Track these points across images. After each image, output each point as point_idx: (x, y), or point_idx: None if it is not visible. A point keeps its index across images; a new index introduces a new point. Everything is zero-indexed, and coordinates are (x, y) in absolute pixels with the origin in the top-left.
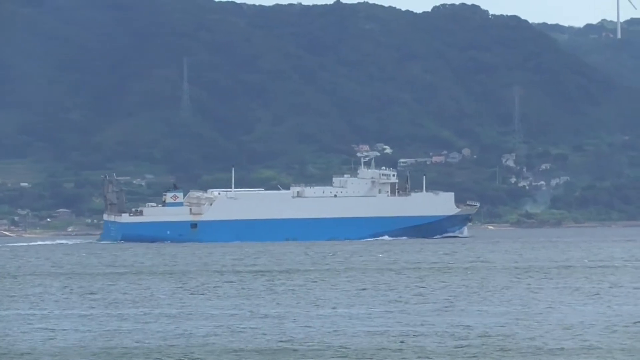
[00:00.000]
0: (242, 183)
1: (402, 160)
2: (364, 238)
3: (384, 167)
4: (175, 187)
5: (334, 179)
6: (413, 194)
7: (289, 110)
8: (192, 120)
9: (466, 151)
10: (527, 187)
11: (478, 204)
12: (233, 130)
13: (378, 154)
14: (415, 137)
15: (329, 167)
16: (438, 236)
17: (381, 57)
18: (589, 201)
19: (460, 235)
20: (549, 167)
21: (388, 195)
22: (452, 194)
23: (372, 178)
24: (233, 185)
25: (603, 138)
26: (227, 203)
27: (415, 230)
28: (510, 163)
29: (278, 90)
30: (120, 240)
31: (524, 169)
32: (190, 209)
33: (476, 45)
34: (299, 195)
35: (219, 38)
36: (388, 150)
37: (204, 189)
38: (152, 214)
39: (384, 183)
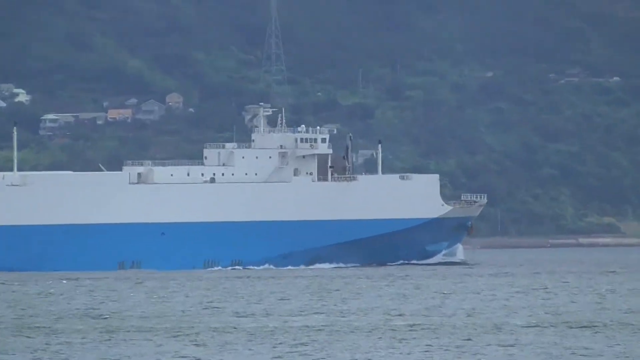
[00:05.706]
0: None
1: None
2: (265, 262)
3: (302, 125)
4: None
5: (207, 151)
6: (361, 178)
7: None
8: None
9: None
10: None
11: (485, 199)
12: None
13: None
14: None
15: None
16: (404, 261)
17: None
18: None
19: (452, 260)
20: None
21: (313, 181)
22: (437, 176)
23: (281, 147)
24: (15, 166)
25: None
26: (8, 194)
27: (365, 247)
28: None
29: None
30: None
31: None
32: None
33: None
34: (141, 179)
35: None
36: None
37: None
38: None
39: (304, 157)
